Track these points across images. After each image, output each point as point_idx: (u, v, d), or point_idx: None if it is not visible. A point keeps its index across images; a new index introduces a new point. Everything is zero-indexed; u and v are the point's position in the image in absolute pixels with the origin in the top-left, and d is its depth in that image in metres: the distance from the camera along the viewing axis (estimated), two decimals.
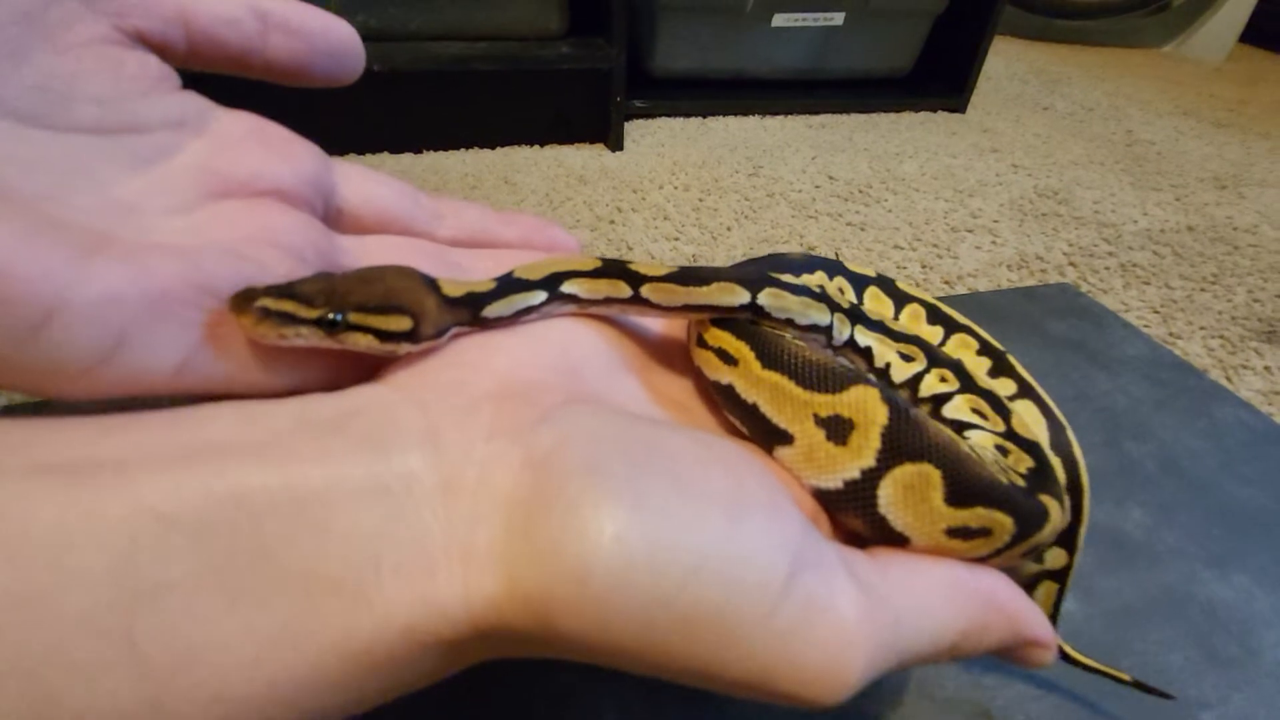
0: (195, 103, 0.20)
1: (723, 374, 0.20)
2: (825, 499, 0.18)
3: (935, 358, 0.28)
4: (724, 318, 0.21)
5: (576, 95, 0.94)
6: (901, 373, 0.27)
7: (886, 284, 0.32)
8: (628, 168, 0.91)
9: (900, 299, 0.32)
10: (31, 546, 0.12)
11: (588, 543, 0.14)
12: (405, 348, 0.18)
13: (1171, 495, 0.48)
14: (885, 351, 0.27)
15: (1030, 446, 0.24)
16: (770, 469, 0.19)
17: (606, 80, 0.91)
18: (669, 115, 1.07)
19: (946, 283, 0.72)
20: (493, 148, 0.94)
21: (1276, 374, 0.62)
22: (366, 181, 0.23)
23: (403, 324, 0.18)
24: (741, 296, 0.21)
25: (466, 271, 0.23)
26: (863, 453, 0.17)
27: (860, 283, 0.31)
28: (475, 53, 0.86)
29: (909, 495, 0.17)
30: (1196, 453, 0.52)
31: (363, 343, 0.17)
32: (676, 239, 0.77)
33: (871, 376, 0.25)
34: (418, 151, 0.92)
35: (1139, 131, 1.17)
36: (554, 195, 0.83)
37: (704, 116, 1.08)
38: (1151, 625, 0.39)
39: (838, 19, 1.08)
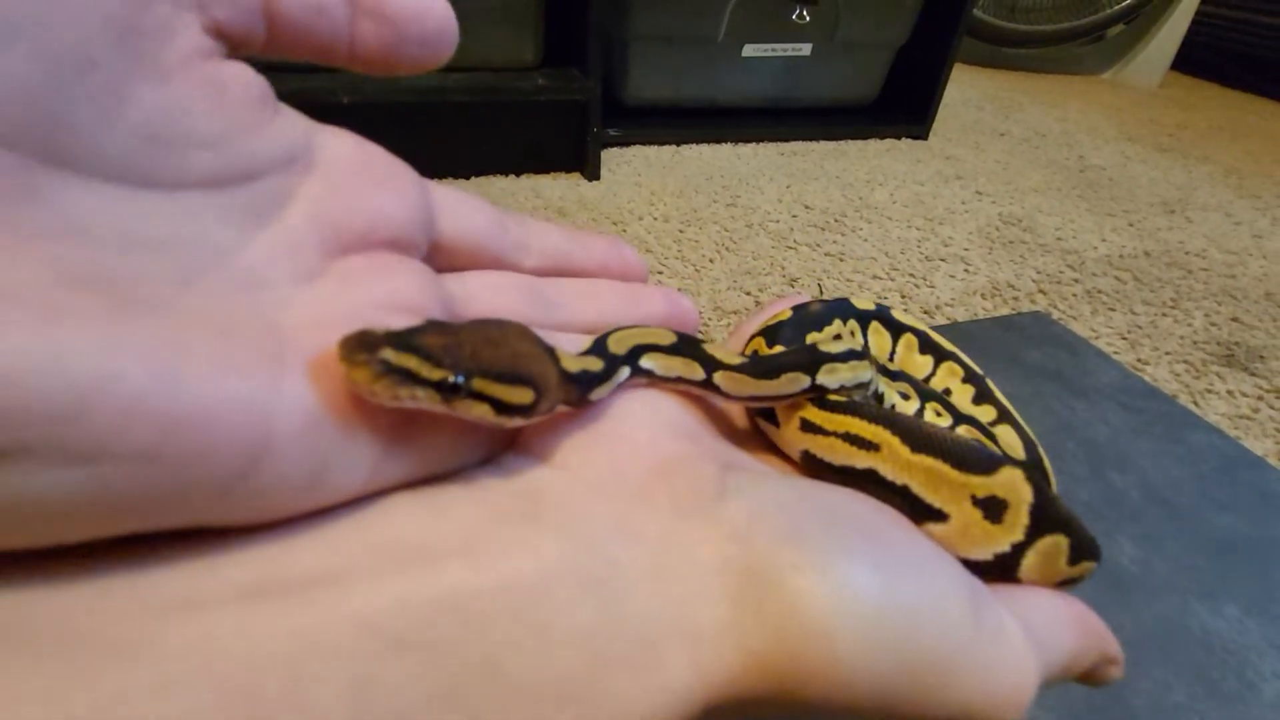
0: (297, 125, 0.16)
1: (859, 459, 0.21)
2: (968, 568, 0.20)
3: (923, 392, 0.30)
4: (818, 398, 0.23)
5: (551, 125, 0.93)
6: (905, 410, 0.30)
7: (884, 316, 0.35)
8: (606, 198, 0.91)
9: (896, 330, 0.34)
10: (262, 681, 0.11)
11: (827, 605, 0.14)
12: (516, 422, 0.16)
13: (1157, 525, 0.50)
14: (890, 393, 0.30)
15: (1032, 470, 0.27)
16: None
17: (582, 111, 0.91)
18: (643, 143, 1.08)
19: (926, 312, 0.74)
20: (468, 178, 0.93)
21: (1239, 397, 0.65)
22: (461, 208, 0.21)
23: (525, 397, 0.16)
24: (804, 383, 0.22)
25: (564, 309, 0.22)
26: (1014, 529, 0.19)
27: (864, 319, 0.34)
28: (450, 83, 0.85)
29: (1044, 562, 0.19)
30: (1176, 481, 0.54)
31: (475, 412, 0.15)
32: (660, 272, 0.76)
33: (1007, 454, 0.27)
34: None
35: (1090, 157, 1.23)
36: None
37: (678, 144, 1.09)
38: (1154, 662, 0.40)
39: (805, 49, 1.11)
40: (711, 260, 0.80)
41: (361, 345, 0.13)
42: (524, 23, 0.88)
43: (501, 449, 0.18)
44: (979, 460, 0.19)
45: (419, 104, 0.85)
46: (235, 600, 0.11)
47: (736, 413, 0.25)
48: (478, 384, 0.15)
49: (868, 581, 0.15)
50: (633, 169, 1.00)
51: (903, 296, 0.76)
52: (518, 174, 0.95)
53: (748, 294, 0.74)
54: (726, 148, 1.10)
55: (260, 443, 0.12)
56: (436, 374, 0.14)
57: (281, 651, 0.11)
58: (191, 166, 0.14)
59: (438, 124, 0.88)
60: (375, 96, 0.81)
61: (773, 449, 0.23)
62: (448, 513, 0.14)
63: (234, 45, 0.15)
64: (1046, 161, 1.19)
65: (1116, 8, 1.61)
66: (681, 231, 0.85)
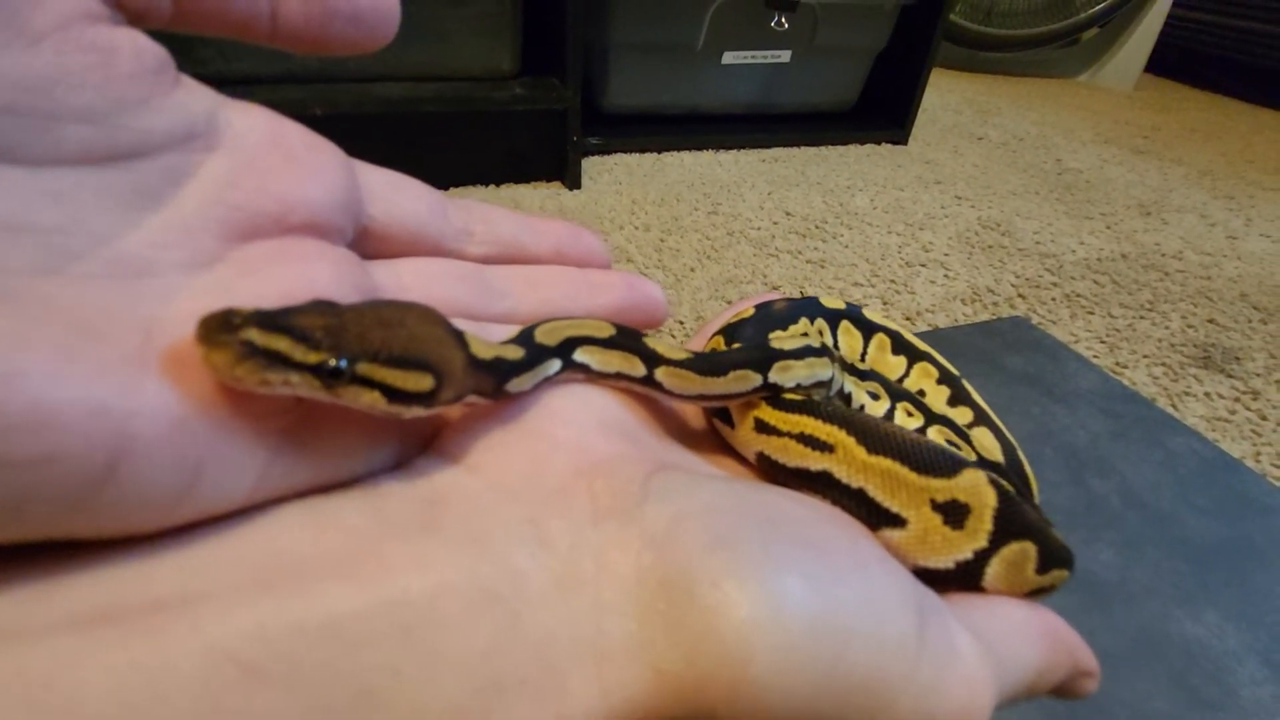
0: (200, 100, 0.15)
1: (812, 460, 0.19)
2: (928, 576, 0.18)
3: (894, 392, 0.30)
4: (773, 397, 0.21)
5: (531, 135, 0.93)
6: (875, 411, 0.28)
7: (855, 315, 0.34)
8: (587, 207, 0.90)
9: (868, 330, 0.33)
10: None
11: (746, 622, 0.13)
12: (414, 411, 0.15)
13: (1137, 530, 0.50)
14: (859, 393, 0.29)
15: (1007, 474, 0.26)
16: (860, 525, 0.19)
17: (562, 120, 0.91)
18: (624, 151, 1.07)
19: (907, 318, 0.74)
20: (445, 189, 0.92)
21: (1216, 400, 0.66)
22: (394, 193, 0.19)
23: (422, 384, 0.14)
24: (755, 381, 0.21)
25: (510, 298, 0.21)
26: (977, 535, 0.18)
27: (834, 318, 0.33)
28: (425, 94, 0.84)
29: (1010, 570, 0.18)
30: (1155, 485, 0.54)
31: (364, 401, 0.14)
32: None
33: (970, 456, 0.26)
34: None
35: (1067, 160, 1.24)
36: None
37: (659, 152, 1.09)
38: (1135, 671, 0.40)
39: (785, 56, 1.11)
40: (693, 269, 0.79)
41: (223, 325, 0.12)
42: (501, 31, 0.88)
43: (415, 450, 0.17)
44: (939, 462, 0.18)
45: (394, 115, 0.84)
46: (66, 630, 0.10)
47: (693, 414, 0.24)
48: (364, 368, 0.13)
49: (796, 596, 0.13)
50: (614, 177, 1.00)
51: (884, 303, 0.76)
52: (497, 184, 0.95)
53: (729, 302, 0.73)
54: (707, 155, 1.10)
55: (116, 448, 0.11)
56: (313, 357, 0.13)
57: (115, 687, 0.10)
58: (65, 141, 0.12)
59: (414, 135, 0.88)
60: (349, 108, 0.80)
61: (729, 452, 0.22)
62: (334, 525, 0.13)
63: (134, 16, 0.14)
64: (1024, 165, 1.20)
65: (1090, 12, 1.63)
66: (663, 240, 0.84)
